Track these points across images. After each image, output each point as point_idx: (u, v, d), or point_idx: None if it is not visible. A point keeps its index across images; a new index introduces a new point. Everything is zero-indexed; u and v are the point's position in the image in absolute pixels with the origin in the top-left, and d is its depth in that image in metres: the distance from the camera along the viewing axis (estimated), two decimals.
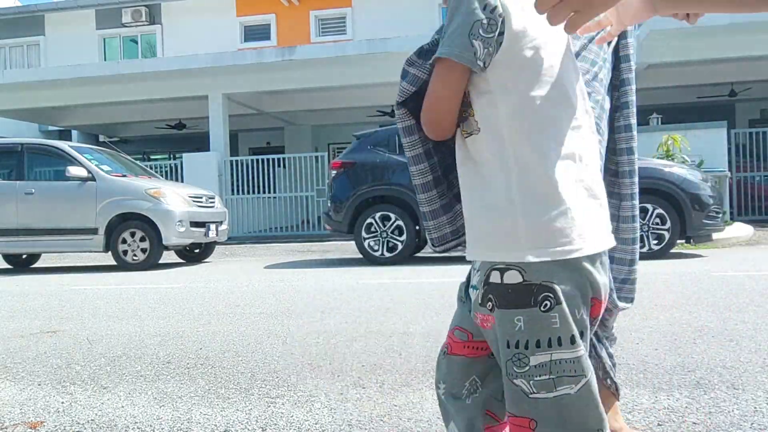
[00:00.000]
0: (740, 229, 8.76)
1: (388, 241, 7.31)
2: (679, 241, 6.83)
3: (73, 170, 7.76)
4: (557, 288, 0.93)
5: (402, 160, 7.08)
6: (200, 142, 15.06)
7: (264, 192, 13.13)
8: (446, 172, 1.12)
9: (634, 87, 1.57)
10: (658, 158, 8.03)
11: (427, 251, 8.05)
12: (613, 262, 1.59)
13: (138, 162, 10.04)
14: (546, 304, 0.92)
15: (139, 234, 7.77)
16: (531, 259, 0.93)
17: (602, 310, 1.01)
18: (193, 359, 2.89)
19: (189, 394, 2.34)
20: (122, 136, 17.97)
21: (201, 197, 8.41)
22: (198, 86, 12.99)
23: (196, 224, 8.01)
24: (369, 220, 7.34)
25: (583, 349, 0.94)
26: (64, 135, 16.64)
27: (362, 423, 1.96)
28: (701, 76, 12.68)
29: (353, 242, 7.77)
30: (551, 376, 0.93)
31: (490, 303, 0.97)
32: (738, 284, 4.51)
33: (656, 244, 6.51)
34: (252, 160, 13.18)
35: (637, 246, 1.62)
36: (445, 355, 1.13)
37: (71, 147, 8.28)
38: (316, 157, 13.20)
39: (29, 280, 7.05)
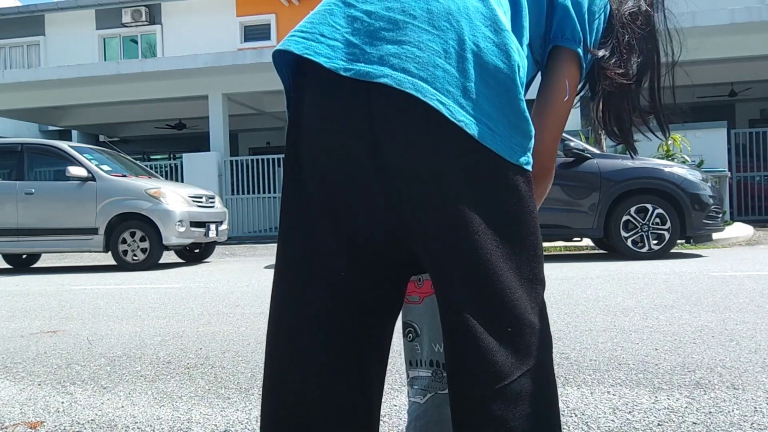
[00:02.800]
0: (740, 229, 8.77)
1: None
2: (679, 241, 6.83)
3: (73, 170, 7.76)
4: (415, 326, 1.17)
5: None
6: (200, 142, 15.05)
7: (264, 192, 13.13)
8: None
9: None
10: (658, 158, 8.03)
11: None
12: None
13: (138, 162, 10.04)
14: (410, 336, 1.15)
15: (139, 234, 7.77)
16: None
17: None
18: (193, 359, 2.89)
19: (189, 394, 2.33)
20: (122, 136, 17.96)
21: (201, 197, 8.41)
22: (198, 86, 12.98)
23: (196, 224, 8.01)
24: None
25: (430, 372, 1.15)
26: (64, 135, 16.64)
27: None
28: (701, 76, 12.67)
29: None
30: (413, 387, 1.18)
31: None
32: (738, 284, 4.51)
33: (656, 244, 6.51)
34: (252, 160, 13.18)
35: None
36: None
37: (71, 147, 8.28)
38: None
39: (29, 280, 7.05)
